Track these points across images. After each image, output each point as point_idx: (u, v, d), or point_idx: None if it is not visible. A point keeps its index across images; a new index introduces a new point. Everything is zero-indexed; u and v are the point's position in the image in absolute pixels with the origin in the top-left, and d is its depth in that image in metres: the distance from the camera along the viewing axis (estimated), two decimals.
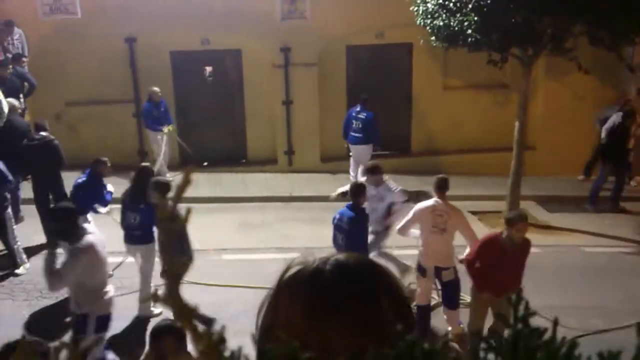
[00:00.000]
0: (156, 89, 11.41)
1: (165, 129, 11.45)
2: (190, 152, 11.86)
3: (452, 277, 6.72)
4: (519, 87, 10.31)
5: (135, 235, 6.99)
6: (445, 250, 6.66)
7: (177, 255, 0.59)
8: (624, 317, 7.37)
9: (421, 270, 6.81)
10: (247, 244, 9.29)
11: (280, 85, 12.47)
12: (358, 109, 11.45)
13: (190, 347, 3.29)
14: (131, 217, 6.98)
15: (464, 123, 12.89)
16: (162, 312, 6.94)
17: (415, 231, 6.90)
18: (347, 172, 12.63)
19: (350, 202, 6.80)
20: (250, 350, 0.77)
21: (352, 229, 6.61)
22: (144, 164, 7.37)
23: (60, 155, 8.89)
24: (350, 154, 11.79)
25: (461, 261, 6.72)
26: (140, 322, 6.86)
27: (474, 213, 10.98)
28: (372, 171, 7.65)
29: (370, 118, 11.25)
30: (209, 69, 12.95)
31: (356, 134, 11.39)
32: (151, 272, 7.08)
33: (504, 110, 12.57)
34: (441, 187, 6.86)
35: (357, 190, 6.86)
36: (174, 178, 11.61)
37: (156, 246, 6.98)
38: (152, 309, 6.98)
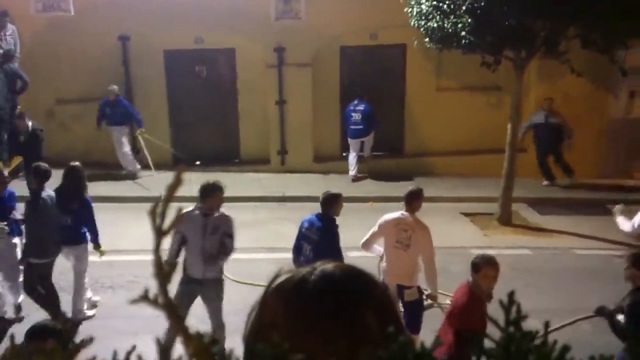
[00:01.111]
0: (114, 87, 11.32)
1: (138, 132, 11.51)
2: (173, 151, 11.78)
3: (415, 297, 6.22)
4: (512, 89, 10.35)
5: (69, 236, 6.87)
6: (408, 268, 6.17)
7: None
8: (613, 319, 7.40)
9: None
10: (240, 244, 9.23)
11: (273, 85, 12.46)
12: (355, 102, 12.07)
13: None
14: (64, 218, 6.85)
15: (457, 125, 12.91)
16: (94, 315, 6.96)
17: (378, 248, 6.47)
18: (340, 172, 12.66)
19: (320, 212, 6.26)
20: (242, 350, 0.77)
21: (323, 241, 6.07)
22: (73, 163, 7.33)
23: None
24: (351, 151, 12.34)
25: (426, 297, 6.30)
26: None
27: (466, 215, 11.02)
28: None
29: (369, 110, 11.95)
30: (201, 68, 12.90)
31: (357, 127, 12.01)
32: (84, 272, 7.04)
33: (496, 112, 12.60)
34: (411, 200, 6.32)
35: (331, 200, 6.25)
36: (156, 176, 11.64)
37: (89, 247, 7.04)
38: (85, 311, 7.02)
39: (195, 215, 6.05)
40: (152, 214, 0.58)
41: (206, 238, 6.03)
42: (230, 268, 8.32)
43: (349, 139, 12.24)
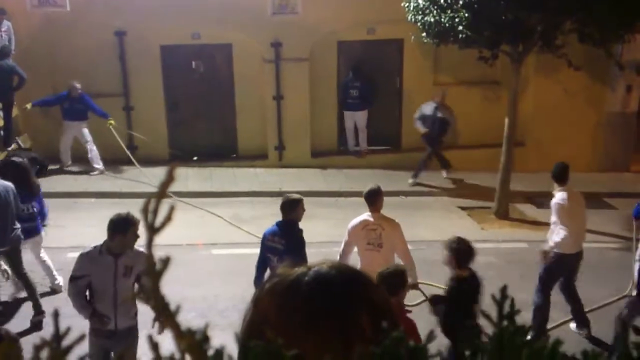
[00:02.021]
0: (77, 85, 11.17)
1: (108, 124, 11.36)
2: (147, 140, 11.63)
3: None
4: (509, 83, 10.35)
5: (25, 229, 6.98)
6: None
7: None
8: (611, 312, 7.44)
9: None
10: (237, 239, 9.28)
11: (271, 80, 12.44)
12: (350, 76, 12.51)
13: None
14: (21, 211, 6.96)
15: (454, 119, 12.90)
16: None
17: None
18: (337, 167, 12.67)
19: (282, 219, 5.96)
20: (236, 347, 0.77)
21: (290, 248, 5.70)
22: (14, 158, 7.42)
23: None
24: (346, 125, 12.85)
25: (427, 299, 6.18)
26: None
27: (463, 208, 11.05)
28: None
29: (367, 86, 12.42)
30: (198, 63, 12.87)
31: (354, 101, 12.44)
32: (41, 254, 7.43)
33: (494, 107, 12.60)
34: (372, 199, 6.16)
35: (291, 205, 5.94)
36: (148, 172, 11.59)
37: (42, 235, 7.39)
38: (58, 283, 7.42)
39: (102, 257, 5.07)
40: (145, 211, 0.58)
41: (118, 282, 5.04)
42: (228, 263, 8.35)
43: (344, 112, 12.74)
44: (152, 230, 0.57)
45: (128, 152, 11.42)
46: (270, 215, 10.21)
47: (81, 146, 11.86)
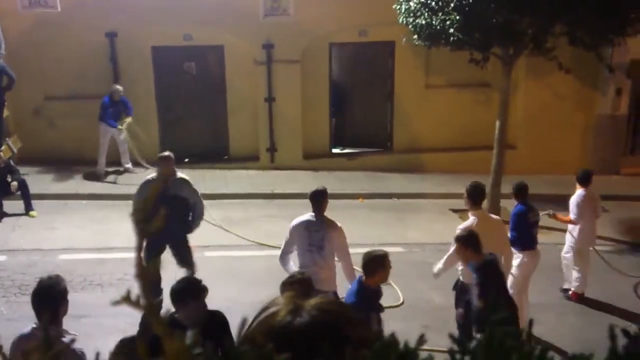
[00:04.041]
0: (119, 87, 11.27)
1: (125, 124, 11.31)
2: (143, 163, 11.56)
3: None
4: (500, 86, 10.39)
5: None
6: (324, 272, 5.82)
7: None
8: (604, 315, 7.49)
9: None
10: (229, 241, 9.26)
11: (262, 82, 12.43)
12: None
13: None
14: None
15: (445, 121, 12.96)
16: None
17: (293, 267, 5.98)
18: (329, 169, 12.69)
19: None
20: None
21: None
22: None
23: None
24: None
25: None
26: None
27: (454, 211, 11.07)
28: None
29: None
30: (189, 64, 12.84)
31: None
32: None
33: (485, 109, 12.65)
34: (317, 200, 6.00)
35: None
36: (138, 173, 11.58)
37: None
38: None
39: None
40: (134, 214, 0.58)
41: None
42: (218, 265, 8.32)
43: None
44: (142, 234, 0.57)
45: (137, 154, 11.37)
46: (261, 217, 10.24)
47: (69, 147, 11.81)
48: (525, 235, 7.06)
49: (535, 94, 12.91)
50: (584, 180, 8.00)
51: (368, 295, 5.06)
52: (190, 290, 4.43)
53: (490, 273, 5.39)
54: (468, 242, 5.48)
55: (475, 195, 6.37)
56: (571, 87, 12.60)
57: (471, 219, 6.30)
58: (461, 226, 6.23)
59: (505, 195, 10.89)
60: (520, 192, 7.23)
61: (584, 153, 13.32)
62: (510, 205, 11.26)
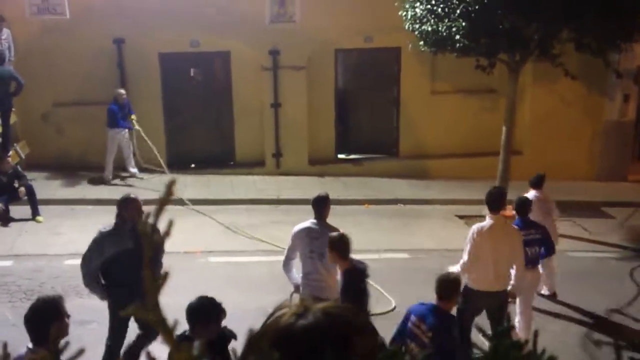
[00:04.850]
0: (122, 90, 11.36)
1: (134, 121, 11.45)
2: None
3: None
4: (506, 92, 10.37)
5: None
6: (324, 279, 5.77)
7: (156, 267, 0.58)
8: (607, 321, 7.44)
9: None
10: (234, 247, 9.26)
11: (268, 87, 12.46)
12: None
13: None
14: None
15: (451, 127, 12.95)
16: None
17: (296, 276, 5.99)
18: (335, 175, 12.69)
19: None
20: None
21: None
22: None
23: None
24: None
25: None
26: None
27: (460, 217, 11.04)
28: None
29: None
30: (196, 70, 12.90)
31: None
32: None
33: (491, 115, 12.63)
34: (319, 206, 5.90)
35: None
36: (145, 178, 11.62)
37: None
38: None
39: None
40: (143, 225, 0.58)
41: None
42: (221, 270, 8.32)
43: None
44: (151, 245, 0.57)
45: (158, 155, 11.44)
46: (267, 223, 10.24)
47: (77, 152, 11.88)
48: None
49: (542, 100, 12.89)
50: (537, 183, 8.22)
51: (453, 324, 4.78)
52: (214, 313, 4.36)
53: (352, 281, 5.23)
54: (333, 245, 5.32)
55: (489, 201, 6.23)
56: (578, 93, 12.57)
57: (485, 222, 6.22)
58: (474, 226, 6.24)
59: (512, 201, 10.88)
60: (522, 206, 6.93)
61: (591, 159, 13.27)
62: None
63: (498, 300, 5.97)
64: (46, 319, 3.83)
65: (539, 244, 6.83)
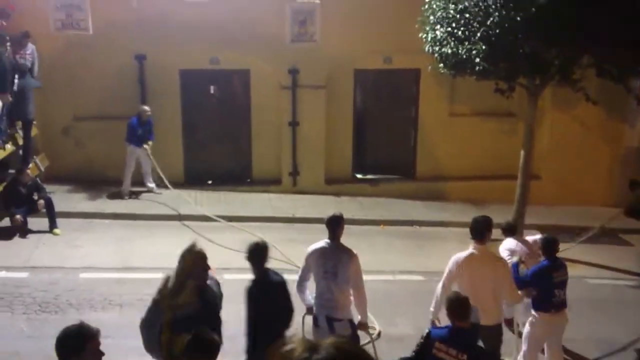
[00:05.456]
0: (146, 108, 11.50)
1: (147, 146, 11.55)
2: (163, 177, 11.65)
3: (347, 332, 5.67)
4: (525, 115, 10.33)
5: None
6: (338, 299, 5.68)
7: None
8: (626, 350, 7.29)
9: (314, 319, 5.89)
10: (245, 264, 9.23)
11: (287, 106, 12.53)
12: None
13: None
14: None
15: (469, 150, 12.91)
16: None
17: (309, 297, 5.93)
18: (351, 195, 12.66)
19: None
20: None
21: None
22: None
23: None
24: None
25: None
26: None
27: None
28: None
29: None
30: (216, 88, 13.03)
31: None
32: None
33: (510, 139, 12.58)
34: (333, 226, 5.77)
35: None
36: (168, 194, 11.67)
37: None
38: None
39: None
40: (163, 289, 0.58)
41: None
42: (235, 287, 8.29)
43: None
44: (172, 310, 0.56)
45: (162, 174, 11.49)
46: (281, 241, 10.21)
47: (96, 166, 12.00)
48: (543, 295, 6.28)
49: (561, 125, 12.81)
50: (512, 230, 7.34)
51: (478, 338, 4.64)
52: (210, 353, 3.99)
53: (259, 290, 5.24)
54: (247, 255, 5.49)
55: (474, 229, 5.85)
56: (598, 119, 12.48)
57: (468, 251, 5.83)
58: (453, 257, 5.88)
59: (529, 226, 10.78)
60: (549, 246, 6.37)
61: (610, 185, 13.12)
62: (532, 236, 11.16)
63: (489, 335, 5.49)
64: (70, 348, 3.51)
65: (565, 285, 6.35)
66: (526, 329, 6.47)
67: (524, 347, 6.48)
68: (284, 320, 5.30)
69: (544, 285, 6.23)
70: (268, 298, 5.13)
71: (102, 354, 3.55)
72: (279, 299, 5.28)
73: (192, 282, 4.48)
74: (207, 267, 4.65)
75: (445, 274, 5.87)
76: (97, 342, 3.55)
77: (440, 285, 5.90)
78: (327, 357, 1.05)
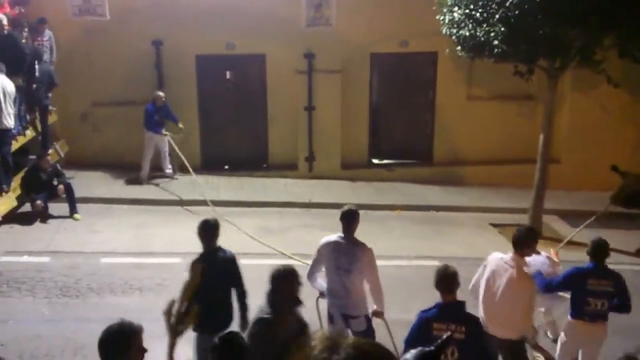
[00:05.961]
0: (161, 93, 11.52)
1: (181, 131, 11.65)
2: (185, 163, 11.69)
3: (362, 328, 5.54)
4: (545, 99, 10.19)
5: None
6: (352, 295, 5.51)
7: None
8: None
9: (329, 317, 5.73)
10: (265, 249, 9.29)
11: (303, 91, 12.49)
12: None
13: None
14: None
15: (487, 134, 12.78)
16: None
17: (322, 284, 5.72)
18: (367, 180, 12.64)
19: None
20: None
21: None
22: None
23: None
24: None
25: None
26: None
27: (494, 225, 10.88)
28: None
29: None
30: (232, 73, 13.02)
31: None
32: None
33: (528, 122, 12.43)
34: (347, 220, 5.52)
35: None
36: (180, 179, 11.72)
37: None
38: None
39: None
40: (167, 313, 0.57)
41: None
42: (252, 274, 8.34)
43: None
44: (174, 334, 0.55)
45: (184, 159, 11.52)
46: (297, 227, 10.25)
47: (115, 152, 12.10)
48: (574, 300, 5.86)
49: (582, 108, 12.61)
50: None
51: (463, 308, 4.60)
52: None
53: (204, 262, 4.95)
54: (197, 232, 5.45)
55: (517, 241, 5.51)
56: (619, 101, 12.25)
57: (504, 257, 5.52)
58: (492, 258, 5.60)
59: (548, 210, 10.67)
60: (598, 250, 5.91)
61: (632, 169, 12.91)
62: (552, 222, 11.06)
63: (510, 350, 5.28)
64: (112, 350, 3.35)
65: (607, 297, 5.76)
66: (562, 336, 6.17)
67: (558, 352, 6.22)
68: (226, 299, 5.38)
69: (575, 290, 5.86)
70: (212, 274, 4.85)
71: (145, 350, 3.38)
72: (223, 274, 5.32)
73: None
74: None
75: (483, 278, 5.65)
76: (141, 339, 3.41)
77: (480, 289, 5.67)
78: (346, 358, 1.06)
